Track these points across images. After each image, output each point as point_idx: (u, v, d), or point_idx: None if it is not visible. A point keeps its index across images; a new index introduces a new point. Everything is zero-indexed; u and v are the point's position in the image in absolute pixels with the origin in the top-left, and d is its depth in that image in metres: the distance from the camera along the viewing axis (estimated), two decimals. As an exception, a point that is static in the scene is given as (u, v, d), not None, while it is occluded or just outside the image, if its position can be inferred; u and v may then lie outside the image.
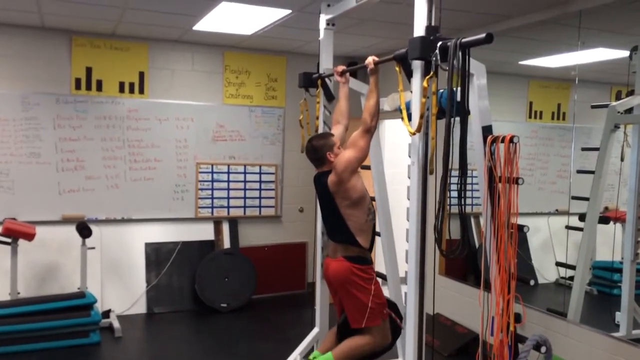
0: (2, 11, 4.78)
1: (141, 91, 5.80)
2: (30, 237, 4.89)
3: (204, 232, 6.14)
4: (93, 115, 5.58)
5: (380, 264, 4.08)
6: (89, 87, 5.59)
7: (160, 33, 5.52)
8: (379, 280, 3.40)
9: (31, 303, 4.72)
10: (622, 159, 3.92)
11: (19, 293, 4.95)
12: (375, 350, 3.33)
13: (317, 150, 3.29)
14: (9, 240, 4.86)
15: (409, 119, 2.68)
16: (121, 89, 5.72)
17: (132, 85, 5.77)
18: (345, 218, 3.20)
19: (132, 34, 5.59)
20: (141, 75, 5.80)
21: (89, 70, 5.58)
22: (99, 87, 5.63)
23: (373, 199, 3.71)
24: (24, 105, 5.33)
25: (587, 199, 3.93)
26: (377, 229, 3.78)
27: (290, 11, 4.45)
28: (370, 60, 3.12)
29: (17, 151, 5.33)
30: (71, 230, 5.23)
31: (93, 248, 5.26)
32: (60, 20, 5.08)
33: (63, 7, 4.57)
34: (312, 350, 3.77)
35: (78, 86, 5.55)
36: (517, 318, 2.65)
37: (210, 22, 4.92)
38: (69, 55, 5.51)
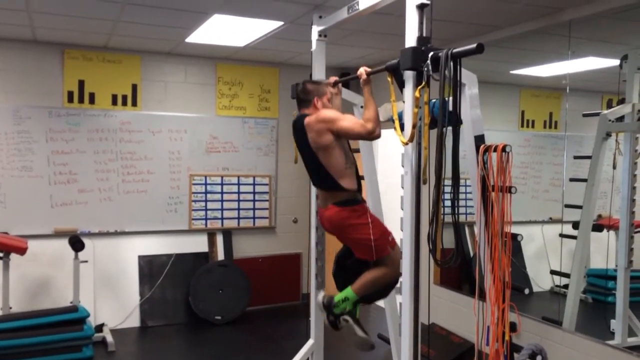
0: (-7, 25, 4.78)
1: (134, 103, 5.80)
2: (22, 251, 4.85)
3: (198, 244, 6.12)
4: (85, 128, 5.57)
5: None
6: (81, 100, 5.58)
7: (153, 45, 5.52)
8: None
9: (23, 318, 4.67)
10: (614, 167, 3.94)
11: (10, 308, 4.90)
12: (393, 280, 3.28)
13: (308, 92, 3.27)
14: (0, 254, 4.82)
15: (402, 129, 2.69)
16: (114, 101, 5.71)
17: (124, 97, 5.76)
18: (325, 165, 3.15)
19: (125, 47, 5.60)
20: (134, 87, 5.79)
21: (81, 83, 5.57)
22: (92, 99, 5.62)
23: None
24: (15, 119, 5.31)
25: (580, 207, 3.94)
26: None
27: (282, 23, 4.46)
28: (362, 71, 3.13)
29: (9, 165, 5.30)
30: (64, 244, 5.20)
31: (86, 261, 5.23)
32: (52, 34, 5.07)
33: (55, 21, 4.57)
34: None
35: (70, 99, 5.54)
36: (513, 327, 2.64)
37: (203, 35, 4.93)
38: (61, 68, 5.50)
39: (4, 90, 5.31)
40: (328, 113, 3.16)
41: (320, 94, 3.27)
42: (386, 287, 3.36)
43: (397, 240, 2.81)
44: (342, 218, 3.17)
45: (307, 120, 3.17)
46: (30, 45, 5.37)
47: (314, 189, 3.60)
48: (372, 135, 3.04)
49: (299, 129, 3.23)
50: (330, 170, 3.16)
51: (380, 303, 4.00)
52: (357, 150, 3.73)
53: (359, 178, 3.33)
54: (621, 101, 3.87)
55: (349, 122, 3.09)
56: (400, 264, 3.22)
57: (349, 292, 3.21)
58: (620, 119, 3.86)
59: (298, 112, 3.34)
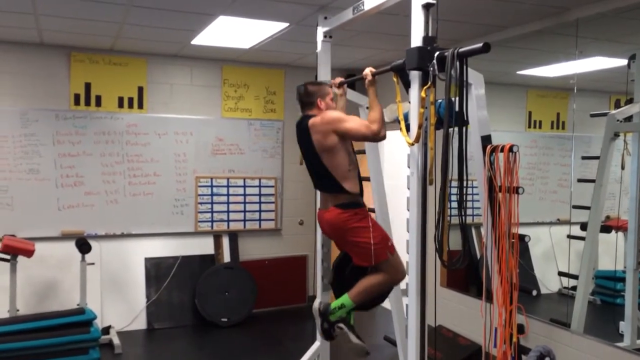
0: (0, 28, 4.79)
1: (140, 106, 5.81)
2: (29, 253, 4.87)
3: (204, 246, 6.12)
4: (92, 130, 5.58)
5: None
6: (88, 103, 5.60)
7: (159, 48, 5.54)
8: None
9: (30, 320, 4.68)
10: (622, 167, 3.90)
11: (18, 310, 4.91)
12: (390, 287, 3.27)
13: (311, 94, 3.25)
14: (8, 257, 4.84)
15: (408, 129, 2.68)
16: (120, 104, 5.73)
17: (131, 100, 5.77)
18: (328, 167, 3.13)
19: (131, 49, 5.61)
20: (140, 90, 5.81)
21: (87, 86, 5.59)
22: (98, 102, 5.64)
23: (365, 178, 3.63)
24: (23, 122, 5.33)
25: (588, 208, 3.91)
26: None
27: (287, 24, 4.46)
28: (367, 71, 3.12)
29: (16, 167, 5.32)
30: (70, 246, 5.21)
31: (92, 264, 5.24)
32: (58, 37, 5.09)
33: (62, 23, 4.58)
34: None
35: (77, 102, 5.56)
36: (520, 329, 2.62)
37: (209, 37, 4.94)
38: (67, 71, 5.52)
39: (11, 93, 5.34)
40: (333, 114, 3.14)
41: (323, 95, 3.25)
42: (383, 294, 3.33)
43: (403, 242, 2.80)
44: (343, 220, 3.13)
45: (311, 121, 3.15)
46: (37, 49, 5.39)
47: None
48: (377, 137, 3.03)
49: (302, 130, 3.21)
50: (333, 172, 3.13)
51: (387, 305, 3.99)
52: (363, 152, 3.71)
53: (361, 181, 3.31)
54: (629, 101, 3.84)
55: (354, 123, 3.08)
56: (399, 269, 3.23)
57: (345, 299, 3.16)
58: (629, 119, 3.83)
59: (301, 114, 3.32)
